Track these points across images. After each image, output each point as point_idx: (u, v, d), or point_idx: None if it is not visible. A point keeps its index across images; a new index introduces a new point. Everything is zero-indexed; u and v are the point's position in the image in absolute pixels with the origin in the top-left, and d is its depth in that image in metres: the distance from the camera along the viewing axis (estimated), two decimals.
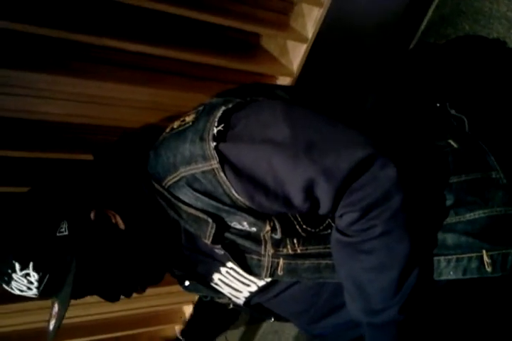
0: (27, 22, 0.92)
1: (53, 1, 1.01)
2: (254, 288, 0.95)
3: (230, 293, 0.99)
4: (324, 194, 0.73)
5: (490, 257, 0.81)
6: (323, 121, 0.79)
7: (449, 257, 0.82)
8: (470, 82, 1.38)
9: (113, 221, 0.87)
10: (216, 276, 0.97)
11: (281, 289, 0.93)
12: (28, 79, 1.02)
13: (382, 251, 0.76)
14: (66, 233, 0.83)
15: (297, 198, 0.75)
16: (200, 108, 0.84)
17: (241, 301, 1.00)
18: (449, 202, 0.85)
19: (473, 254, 0.82)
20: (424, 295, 0.82)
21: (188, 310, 1.83)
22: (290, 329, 2.41)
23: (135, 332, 1.77)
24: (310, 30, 1.23)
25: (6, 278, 0.82)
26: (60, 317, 0.82)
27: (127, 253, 0.88)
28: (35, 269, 0.81)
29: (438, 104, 1.05)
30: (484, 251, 0.81)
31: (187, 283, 1.01)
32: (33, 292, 0.83)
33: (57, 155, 1.12)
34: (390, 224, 0.74)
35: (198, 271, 0.98)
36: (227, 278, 0.95)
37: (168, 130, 0.86)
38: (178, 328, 1.89)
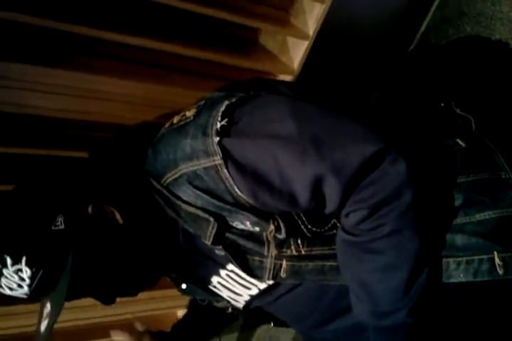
0: (22, 12, 0.89)
1: None
2: (255, 291, 0.91)
3: (230, 297, 0.96)
4: (332, 191, 0.70)
5: (501, 259, 0.78)
6: (330, 116, 0.77)
7: (459, 259, 0.79)
8: (474, 82, 1.36)
9: (111, 216, 0.83)
10: (215, 279, 0.93)
11: (283, 292, 0.90)
12: (22, 71, 0.98)
13: (390, 250, 0.73)
14: (62, 227, 0.78)
15: (303, 196, 0.72)
16: (202, 102, 0.80)
17: (241, 305, 0.96)
18: (458, 202, 0.82)
19: (484, 256, 0.79)
20: (433, 298, 0.79)
21: (182, 314, 1.79)
22: (285, 336, 2.38)
23: None
24: (311, 27, 1.20)
25: None
26: (54, 317, 0.76)
27: (125, 249, 0.84)
28: (27, 264, 0.76)
29: (443, 104, 1.02)
30: (495, 253, 0.78)
31: (184, 286, 0.98)
32: (23, 290, 0.78)
33: (51, 152, 1.09)
34: (400, 223, 0.72)
35: (196, 273, 0.94)
36: (226, 281, 0.92)
37: (167, 125, 0.83)
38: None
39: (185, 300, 1.68)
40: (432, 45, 1.62)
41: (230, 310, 1.02)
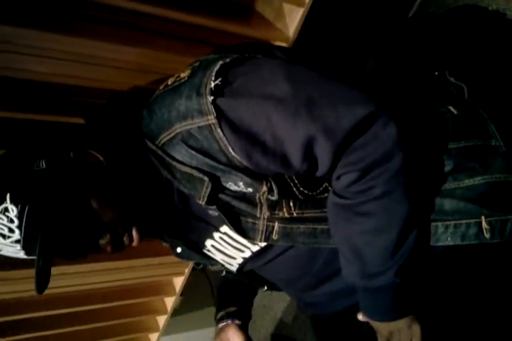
0: None
1: None
2: (248, 254, 0.93)
3: (223, 260, 0.97)
4: (324, 152, 0.71)
5: (488, 223, 0.80)
6: (323, 79, 0.77)
7: (447, 223, 0.81)
8: (469, 51, 1.35)
9: (93, 160, 0.83)
10: (209, 242, 0.95)
11: (275, 255, 0.91)
12: (11, 34, 0.96)
13: (380, 213, 0.74)
14: (43, 167, 0.79)
15: (296, 156, 0.73)
16: (196, 64, 0.81)
17: (234, 268, 0.98)
18: (448, 168, 0.83)
19: (472, 220, 0.81)
20: (421, 260, 0.80)
21: (179, 282, 1.82)
22: (279, 304, 2.43)
23: (124, 303, 1.76)
24: None
25: None
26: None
27: (108, 188, 0.83)
28: (12, 201, 0.76)
29: (436, 72, 1.02)
30: (483, 217, 0.80)
31: (179, 249, 0.99)
32: (15, 235, 0.77)
33: (43, 117, 1.07)
34: (390, 185, 0.73)
35: (190, 237, 0.96)
36: (220, 243, 0.93)
37: (162, 87, 0.83)
38: (168, 299, 1.88)
39: (181, 267, 1.72)
40: (430, 14, 1.60)
41: (224, 273, 1.04)
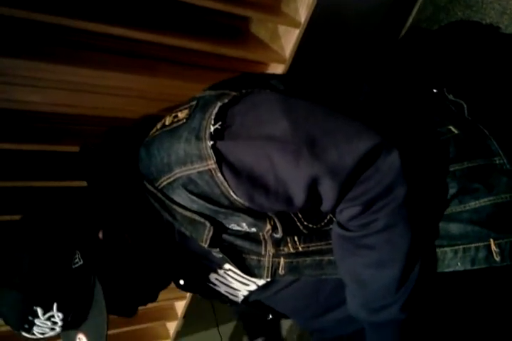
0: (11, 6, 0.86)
1: None
2: (253, 287, 0.91)
3: (228, 292, 0.95)
4: (328, 191, 0.70)
5: (498, 246, 0.78)
6: (322, 113, 0.75)
7: (456, 247, 0.79)
8: (466, 67, 1.36)
9: (122, 237, 0.83)
10: (213, 276, 0.93)
11: (281, 287, 0.90)
12: (6, 65, 0.96)
13: (383, 245, 0.73)
14: (81, 263, 0.78)
15: (299, 197, 0.71)
16: (193, 102, 0.78)
17: (239, 299, 0.96)
18: (452, 191, 0.82)
19: (481, 244, 0.79)
20: (428, 290, 0.79)
21: (180, 306, 1.79)
22: (284, 323, 2.40)
23: (126, 329, 1.73)
24: (303, 14, 1.18)
25: (26, 326, 0.77)
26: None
27: (139, 263, 0.85)
28: (59, 309, 0.77)
29: (435, 90, 1.02)
30: (492, 240, 0.78)
31: (182, 282, 0.97)
32: (56, 331, 0.80)
33: (43, 147, 1.07)
34: (392, 218, 0.72)
35: (194, 271, 0.94)
36: (224, 278, 0.92)
37: (159, 126, 0.80)
38: (171, 324, 1.85)
39: (182, 292, 1.69)
40: (423, 31, 1.61)
41: (228, 304, 1.02)
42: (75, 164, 1.11)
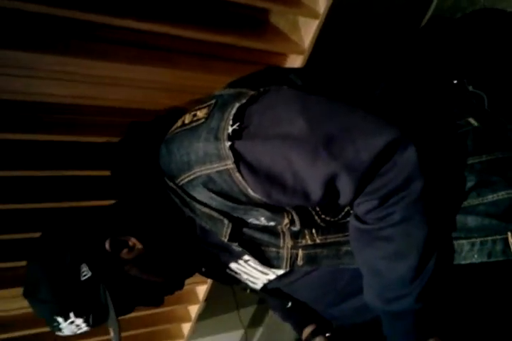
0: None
1: None
2: (272, 276, 0.94)
3: (248, 280, 0.98)
4: (346, 187, 0.71)
5: None
6: (338, 109, 0.76)
7: (473, 240, 0.80)
8: (487, 58, 1.33)
9: (130, 244, 0.86)
10: (233, 265, 0.95)
11: (300, 276, 0.92)
12: (28, 59, 0.99)
13: (400, 238, 0.74)
14: (90, 274, 0.84)
15: (317, 193, 0.73)
16: (212, 101, 0.79)
17: (258, 287, 0.99)
18: (471, 184, 0.82)
19: (498, 237, 0.79)
20: (445, 282, 0.80)
21: (202, 290, 1.83)
22: None
23: (148, 312, 1.78)
24: (322, 5, 1.18)
25: (56, 329, 0.88)
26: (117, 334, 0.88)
27: (162, 260, 0.90)
28: (77, 316, 0.86)
29: (455, 81, 1.01)
30: (509, 233, 0.79)
31: (203, 269, 1.00)
32: (85, 329, 0.89)
33: (67, 138, 1.10)
34: (409, 211, 0.73)
35: (215, 261, 0.96)
36: (244, 267, 0.94)
37: (179, 124, 0.82)
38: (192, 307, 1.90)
39: None
40: (446, 19, 1.58)
41: (248, 291, 1.05)
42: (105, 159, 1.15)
